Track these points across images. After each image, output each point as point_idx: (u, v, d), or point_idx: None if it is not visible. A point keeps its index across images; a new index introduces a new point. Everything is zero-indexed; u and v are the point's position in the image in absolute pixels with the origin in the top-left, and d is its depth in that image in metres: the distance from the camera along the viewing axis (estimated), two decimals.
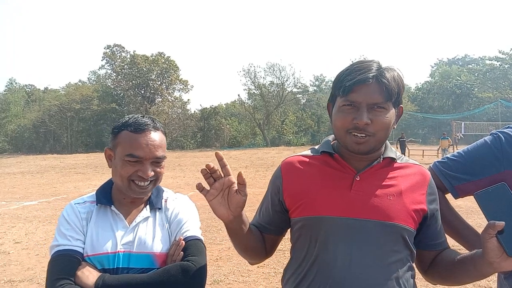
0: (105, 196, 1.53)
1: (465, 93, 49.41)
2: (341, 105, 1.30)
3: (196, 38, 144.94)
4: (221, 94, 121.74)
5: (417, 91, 56.03)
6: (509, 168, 1.41)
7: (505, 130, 1.49)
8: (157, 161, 1.49)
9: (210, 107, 46.96)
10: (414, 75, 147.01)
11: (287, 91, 49.58)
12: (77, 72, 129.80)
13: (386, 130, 1.29)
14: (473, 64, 57.50)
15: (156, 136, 1.49)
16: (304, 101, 53.78)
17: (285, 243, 1.53)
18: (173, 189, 1.62)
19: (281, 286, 1.46)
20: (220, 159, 1.28)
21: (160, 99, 47.26)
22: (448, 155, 1.61)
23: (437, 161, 1.60)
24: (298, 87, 51.15)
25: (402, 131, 29.86)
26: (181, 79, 47.83)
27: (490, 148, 1.46)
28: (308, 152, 1.46)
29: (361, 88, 1.27)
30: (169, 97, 47.88)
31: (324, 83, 54.81)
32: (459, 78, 51.16)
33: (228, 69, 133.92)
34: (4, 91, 53.61)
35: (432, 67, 63.25)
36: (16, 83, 56.64)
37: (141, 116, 1.54)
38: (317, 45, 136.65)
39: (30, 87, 58.81)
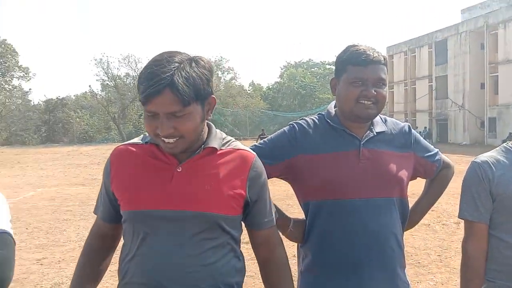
0: None
1: (309, 93, 54.83)
2: (145, 113, 1.29)
3: (39, 21, 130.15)
4: (70, 84, 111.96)
5: (268, 91, 60.06)
6: (300, 153, 1.63)
7: (299, 121, 1.74)
8: None
9: (57, 98, 42.91)
10: (266, 75, 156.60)
11: None
12: None
13: (193, 131, 1.29)
14: (315, 68, 63.95)
15: None
16: None
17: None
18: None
19: None
20: None
21: None
22: (256, 143, 1.80)
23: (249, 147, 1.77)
24: None
25: (262, 127, 31.81)
26: (21, 65, 42.63)
27: (287, 136, 1.69)
28: (138, 140, 1.43)
29: (155, 100, 1.21)
30: (6, 86, 42.22)
31: None
32: (304, 80, 56.44)
33: (77, 57, 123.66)
34: None
35: (282, 69, 68.32)
36: None
37: None
38: (174, 39, 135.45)
39: None
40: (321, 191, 1.61)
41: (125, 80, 47.59)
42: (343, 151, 1.62)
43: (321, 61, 64.34)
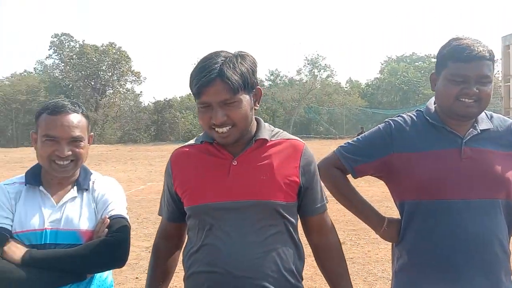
0: (34, 177, 1.61)
1: (412, 89, 51.74)
2: (198, 106, 1.38)
3: (149, 28, 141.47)
4: (175, 87, 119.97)
5: (367, 87, 57.92)
6: (396, 151, 1.60)
7: (395, 118, 1.70)
8: (74, 141, 1.57)
9: (164, 100, 46.19)
10: (365, 72, 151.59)
11: None
12: (23, 62, 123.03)
13: (245, 119, 1.38)
14: (419, 62, 59.96)
15: (73, 118, 1.58)
16: None
17: None
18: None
19: None
20: None
21: (111, 91, 46.04)
22: (350, 140, 1.79)
23: (340, 146, 1.78)
24: None
25: (361, 125, 31.17)
26: (133, 70, 46.75)
27: (382, 133, 1.66)
28: (193, 141, 1.55)
29: (208, 90, 1.33)
30: (121, 89, 46.77)
31: (279, 77, 55.44)
32: (406, 75, 53.42)
33: (182, 61, 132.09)
34: None
35: (382, 64, 65.51)
36: None
37: (61, 100, 1.65)
38: (273, 39, 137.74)
39: None
40: (418, 191, 1.56)
41: None
42: (442, 150, 1.55)
43: (426, 55, 60.16)
